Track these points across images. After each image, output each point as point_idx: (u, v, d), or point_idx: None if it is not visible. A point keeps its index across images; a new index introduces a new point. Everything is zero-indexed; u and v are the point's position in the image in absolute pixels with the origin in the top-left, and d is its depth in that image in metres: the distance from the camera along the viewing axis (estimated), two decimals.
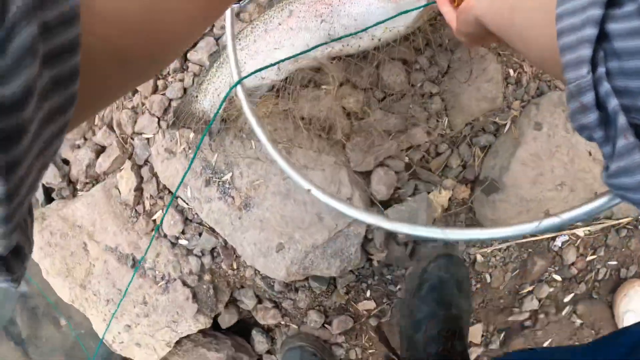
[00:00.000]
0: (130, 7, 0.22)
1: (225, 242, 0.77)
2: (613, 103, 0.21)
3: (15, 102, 0.14)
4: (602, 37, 0.21)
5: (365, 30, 0.65)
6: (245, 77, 0.58)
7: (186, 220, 0.80)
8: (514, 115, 0.74)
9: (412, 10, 0.64)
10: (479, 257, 0.74)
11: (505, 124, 0.74)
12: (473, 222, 0.74)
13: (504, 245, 0.75)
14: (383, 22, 0.64)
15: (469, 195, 0.73)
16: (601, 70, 0.21)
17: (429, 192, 0.72)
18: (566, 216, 0.32)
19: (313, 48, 0.69)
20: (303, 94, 0.71)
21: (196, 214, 0.79)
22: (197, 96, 0.79)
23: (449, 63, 0.72)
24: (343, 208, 0.45)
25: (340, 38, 0.68)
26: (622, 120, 0.21)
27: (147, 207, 0.83)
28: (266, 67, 0.65)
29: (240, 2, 0.42)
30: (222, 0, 0.32)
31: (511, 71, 0.73)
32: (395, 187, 0.71)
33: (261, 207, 0.73)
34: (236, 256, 0.78)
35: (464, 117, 0.73)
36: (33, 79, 0.15)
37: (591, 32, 0.21)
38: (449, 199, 0.72)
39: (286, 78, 0.72)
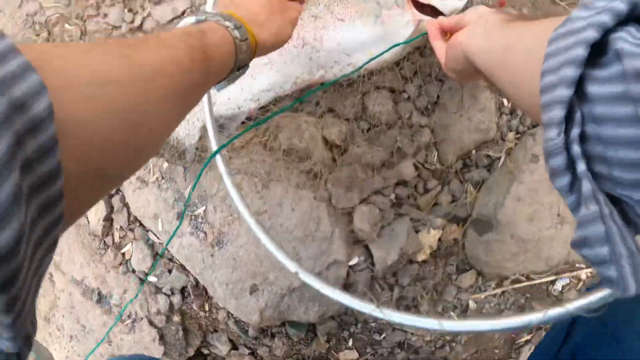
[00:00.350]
0: (108, 126, 0.22)
1: (197, 281, 0.71)
2: (580, 168, 0.20)
3: (10, 250, 0.15)
4: (583, 98, 0.20)
5: (357, 70, 0.61)
6: (225, 145, 0.53)
7: (156, 256, 0.74)
8: (509, 148, 0.69)
9: (404, 43, 0.60)
10: (472, 304, 0.68)
11: (499, 157, 0.68)
12: (464, 264, 0.68)
13: (499, 290, 0.69)
14: (370, 60, 0.59)
15: (460, 235, 0.67)
16: (575, 132, 0.20)
17: (417, 232, 0.66)
18: (572, 307, 0.27)
19: (306, 96, 0.65)
20: (282, 124, 0.67)
21: (167, 249, 0.73)
22: None
23: (439, 93, 0.67)
24: (336, 295, 0.41)
25: (328, 84, 0.64)
26: (586, 188, 0.20)
27: (117, 239, 0.78)
28: (252, 126, 0.60)
29: (217, 86, 0.41)
30: (196, 96, 0.32)
31: (505, 100, 0.68)
32: (381, 225, 0.65)
33: (235, 244, 0.68)
34: (208, 297, 0.72)
35: (455, 150, 0.68)
36: (23, 223, 0.15)
37: (563, 93, 0.19)
38: (439, 239, 0.66)
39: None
